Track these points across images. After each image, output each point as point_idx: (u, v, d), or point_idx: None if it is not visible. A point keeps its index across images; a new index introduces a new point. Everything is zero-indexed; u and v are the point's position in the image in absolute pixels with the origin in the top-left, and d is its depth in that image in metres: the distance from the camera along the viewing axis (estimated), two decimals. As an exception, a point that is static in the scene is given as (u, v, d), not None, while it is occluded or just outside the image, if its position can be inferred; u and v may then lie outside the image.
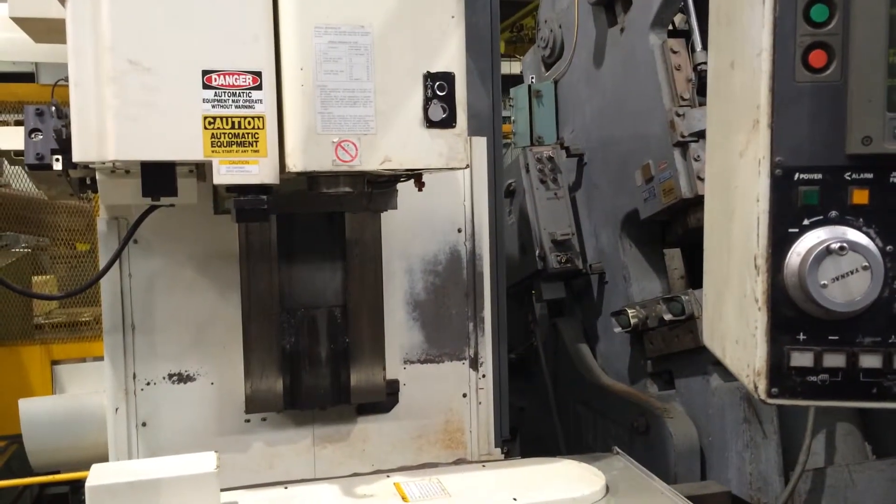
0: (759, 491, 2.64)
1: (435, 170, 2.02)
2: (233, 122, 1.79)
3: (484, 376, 2.61)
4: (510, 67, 9.01)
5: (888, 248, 1.24)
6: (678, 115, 2.70)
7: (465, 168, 2.05)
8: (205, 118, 1.75)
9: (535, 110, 3.25)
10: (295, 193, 2.17)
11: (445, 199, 2.58)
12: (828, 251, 1.23)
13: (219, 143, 1.77)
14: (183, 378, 2.31)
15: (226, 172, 1.78)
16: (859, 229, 1.24)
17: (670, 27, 2.94)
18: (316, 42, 1.89)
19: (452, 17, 2.02)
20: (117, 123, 1.68)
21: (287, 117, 1.82)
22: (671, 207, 2.78)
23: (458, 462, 2.50)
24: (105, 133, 1.69)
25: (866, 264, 1.22)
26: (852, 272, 1.22)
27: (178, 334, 2.29)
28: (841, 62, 1.21)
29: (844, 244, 1.22)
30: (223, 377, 2.34)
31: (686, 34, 2.83)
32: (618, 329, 2.98)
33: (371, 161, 1.93)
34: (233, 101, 1.79)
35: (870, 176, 1.23)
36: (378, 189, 2.26)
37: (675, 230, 2.94)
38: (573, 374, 3.32)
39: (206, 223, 2.27)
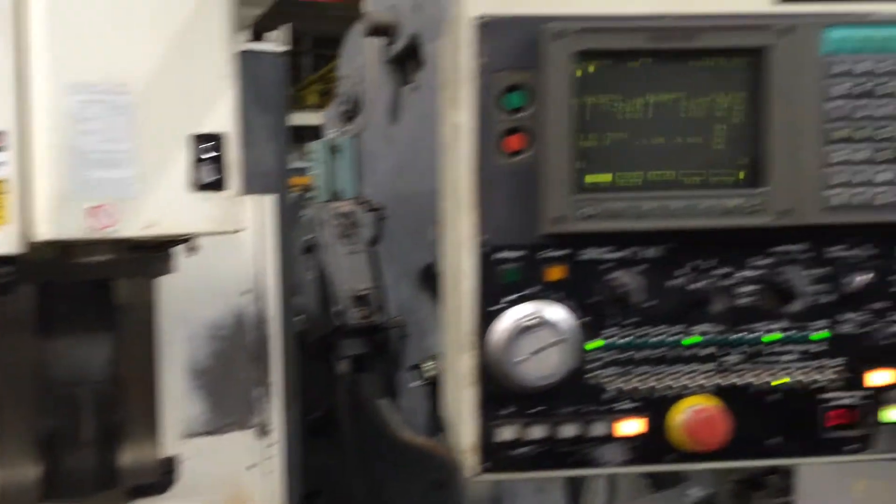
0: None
1: (205, 234, 1.93)
2: (-28, 187, 1.62)
3: (273, 444, 2.50)
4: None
5: (582, 320, 1.30)
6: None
7: (241, 231, 1.96)
8: (-60, 182, 1.56)
9: (334, 165, 3.22)
10: (56, 259, 1.99)
11: (230, 261, 2.48)
12: (523, 327, 1.27)
13: (-45, 210, 1.58)
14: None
15: (-38, 242, 1.60)
16: (556, 304, 1.29)
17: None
18: (69, 100, 1.76)
19: (222, 77, 1.96)
20: None
21: (35, 181, 1.68)
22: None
23: (243, 539, 2.36)
24: None
25: (558, 339, 1.28)
26: (546, 347, 1.27)
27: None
28: (535, 146, 1.27)
29: (537, 320, 1.27)
30: (-33, 470, 2.07)
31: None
32: (415, 383, 2.97)
33: (132, 227, 1.82)
34: (-28, 163, 1.62)
35: (563, 253, 1.29)
36: (149, 254, 2.11)
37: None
38: (375, 430, 3.27)
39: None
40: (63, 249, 1.82)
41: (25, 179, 1.70)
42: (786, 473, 3.37)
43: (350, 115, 3.47)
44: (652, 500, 3.00)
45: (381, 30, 2.73)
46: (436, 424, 3.19)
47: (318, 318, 3.40)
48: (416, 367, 3.04)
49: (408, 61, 3.21)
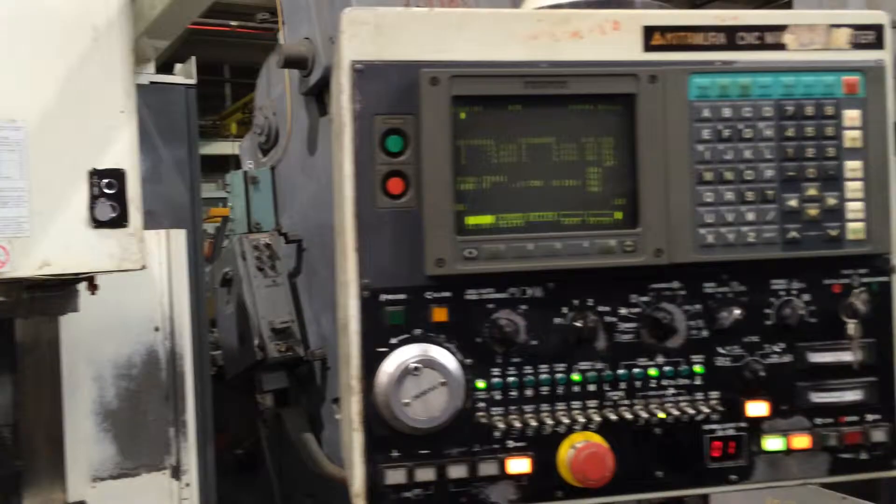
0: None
1: (105, 272, 1.89)
2: None
3: (188, 485, 2.44)
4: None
5: (467, 361, 1.31)
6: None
7: (143, 269, 1.93)
8: None
9: (251, 196, 3.18)
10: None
11: (140, 297, 2.43)
12: (409, 369, 1.27)
13: None
14: None
15: None
16: (441, 345, 1.30)
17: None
18: (-42, 137, 1.71)
19: (122, 111, 1.93)
20: None
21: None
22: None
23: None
24: None
25: (444, 380, 1.28)
26: (431, 389, 1.28)
27: None
28: (416, 189, 1.29)
29: (419, 363, 1.28)
30: None
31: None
32: (338, 415, 2.94)
33: (26, 266, 1.78)
34: None
35: (447, 294, 1.31)
36: (48, 293, 2.05)
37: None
38: (298, 465, 3.22)
39: None
40: (-51, 291, 1.76)
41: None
42: (704, 496, 3.44)
43: (267, 146, 3.45)
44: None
45: (296, 62, 2.73)
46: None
47: (238, 352, 3.34)
48: (338, 399, 3.01)
49: (324, 93, 3.21)
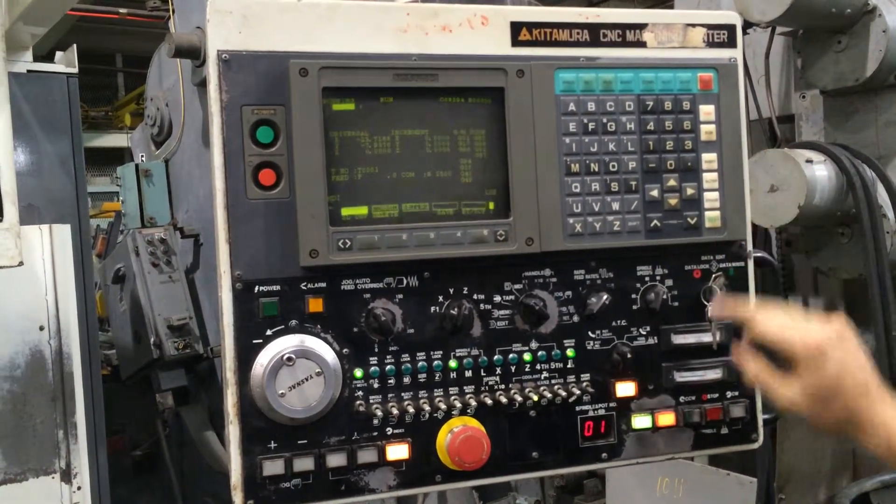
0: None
1: (-23, 271, 1.80)
2: None
3: (79, 488, 2.36)
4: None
5: (344, 350, 1.33)
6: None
7: (18, 266, 1.85)
8: None
9: (144, 190, 3.08)
10: None
11: (22, 295, 2.33)
12: (284, 360, 1.28)
13: None
14: None
15: None
16: (317, 336, 1.31)
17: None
18: None
19: (-8, 102, 1.85)
20: None
21: None
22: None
23: None
24: None
25: (319, 370, 1.29)
26: (307, 379, 1.29)
27: None
28: (288, 180, 1.29)
29: (294, 354, 1.28)
30: None
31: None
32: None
33: None
34: None
35: (323, 285, 1.32)
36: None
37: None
38: (200, 464, 3.16)
39: None
40: None
41: None
42: (602, 478, 3.57)
43: (160, 138, 3.35)
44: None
45: (188, 51, 2.67)
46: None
47: (134, 351, 3.24)
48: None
49: (220, 84, 3.14)
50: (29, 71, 2.38)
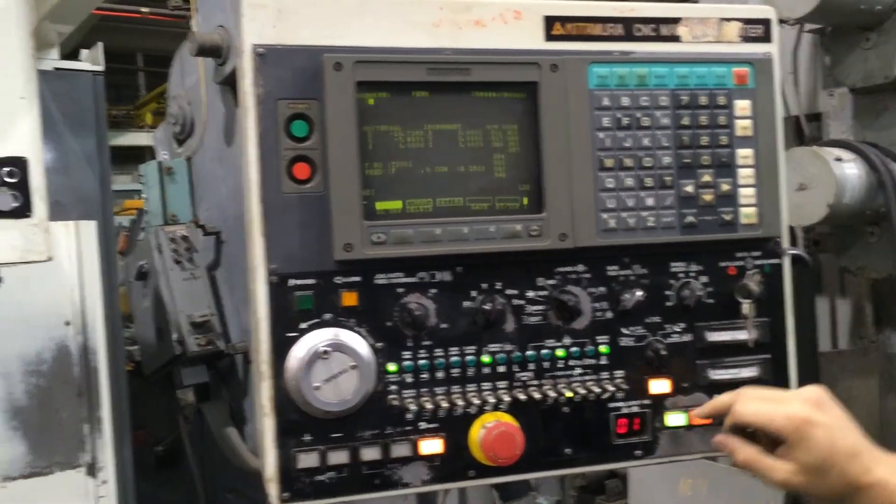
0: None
1: (8, 264, 1.82)
2: None
3: (105, 482, 2.38)
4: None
5: (378, 344, 1.33)
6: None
7: (48, 260, 1.86)
8: None
9: (167, 188, 3.10)
10: None
11: (49, 291, 2.35)
12: (319, 353, 1.28)
13: None
14: None
15: None
16: (352, 329, 1.31)
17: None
18: None
19: (22, 98, 1.86)
20: None
21: None
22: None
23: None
24: None
25: (354, 364, 1.29)
26: (342, 372, 1.29)
27: None
28: (323, 174, 1.29)
29: (329, 347, 1.28)
30: None
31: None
32: (260, 410, 2.90)
33: (-81, 258, 1.69)
34: None
35: (357, 279, 1.32)
36: (-54, 287, 1.97)
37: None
38: (221, 460, 3.17)
39: None
40: None
41: None
42: (623, 478, 3.55)
43: (182, 136, 3.37)
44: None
45: (209, 50, 2.68)
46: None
47: (156, 347, 3.26)
48: (260, 392, 2.97)
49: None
50: (55, 69, 2.39)
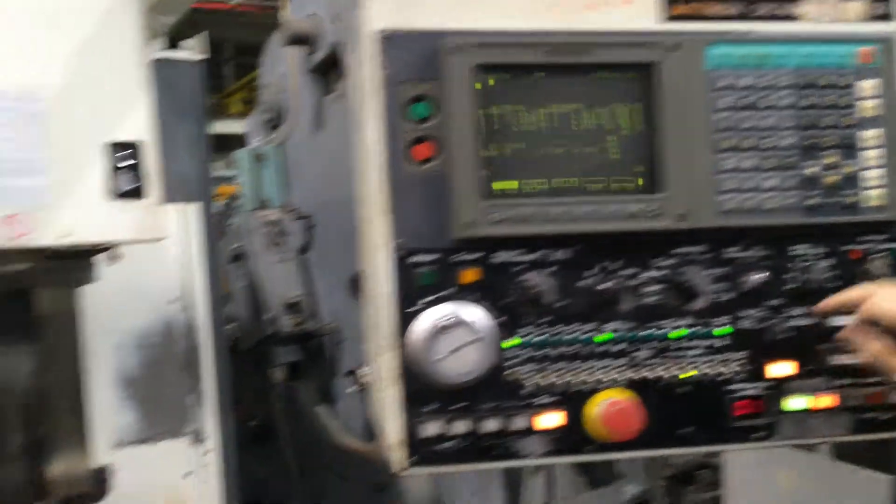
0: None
1: (125, 243, 1.92)
2: None
3: (209, 451, 2.49)
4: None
5: (497, 320, 1.35)
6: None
7: (163, 239, 1.96)
8: None
9: (259, 174, 3.20)
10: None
11: (156, 269, 2.46)
12: (441, 327, 1.32)
13: None
14: None
15: None
16: (472, 304, 1.34)
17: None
18: (-24, 108, 1.73)
19: (137, 83, 1.95)
20: None
21: (-59, 190, 1.67)
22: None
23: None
24: None
25: (475, 337, 1.33)
26: (464, 345, 1.32)
27: None
28: (442, 154, 1.32)
29: (454, 320, 1.32)
30: None
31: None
32: (351, 388, 2.98)
33: (47, 235, 1.80)
34: None
35: (476, 256, 1.35)
36: (69, 262, 2.08)
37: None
38: (313, 437, 3.27)
39: None
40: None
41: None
42: (715, 468, 3.48)
43: (274, 123, 3.44)
44: (589, 498, 3.07)
45: (301, 39, 2.74)
46: (373, 429, 3.19)
47: (250, 326, 3.37)
48: (352, 372, 3.04)
49: (330, 70, 3.20)
50: (158, 59, 2.48)
